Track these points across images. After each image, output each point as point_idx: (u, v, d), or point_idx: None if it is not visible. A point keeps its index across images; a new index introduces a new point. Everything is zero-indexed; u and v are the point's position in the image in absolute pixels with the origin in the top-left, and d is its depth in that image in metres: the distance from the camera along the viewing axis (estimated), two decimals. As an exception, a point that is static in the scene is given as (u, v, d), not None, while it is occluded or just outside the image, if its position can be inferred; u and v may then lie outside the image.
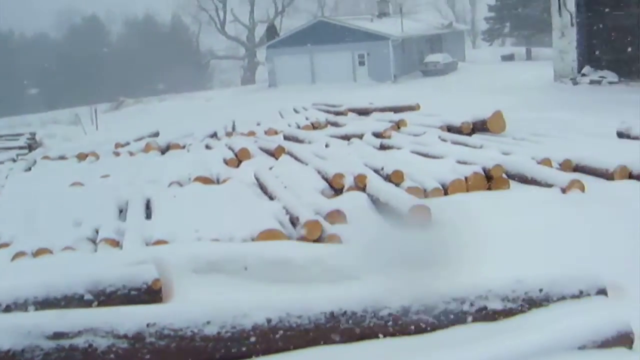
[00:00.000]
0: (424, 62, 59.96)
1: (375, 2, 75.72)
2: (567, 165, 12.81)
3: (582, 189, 10.94)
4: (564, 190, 10.90)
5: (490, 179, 11.69)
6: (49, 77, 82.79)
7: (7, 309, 6.35)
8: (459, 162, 12.56)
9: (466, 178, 11.54)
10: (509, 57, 71.89)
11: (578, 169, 12.74)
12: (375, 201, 10.67)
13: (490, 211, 9.88)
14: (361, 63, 59.41)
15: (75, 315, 5.45)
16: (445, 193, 11.34)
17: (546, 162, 12.64)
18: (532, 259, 7.41)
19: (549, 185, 11.21)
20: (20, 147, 28.56)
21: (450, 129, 18.52)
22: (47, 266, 7.26)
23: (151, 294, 6.56)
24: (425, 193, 11.18)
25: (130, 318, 5.41)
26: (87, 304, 6.47)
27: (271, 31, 75.62)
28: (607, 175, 12.03)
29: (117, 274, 6.58)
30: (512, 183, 11.87)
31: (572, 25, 35.84)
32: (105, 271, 6.65)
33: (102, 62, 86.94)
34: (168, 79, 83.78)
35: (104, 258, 7.45)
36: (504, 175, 11.84)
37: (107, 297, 6.51)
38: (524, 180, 11.85)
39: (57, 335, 5.22)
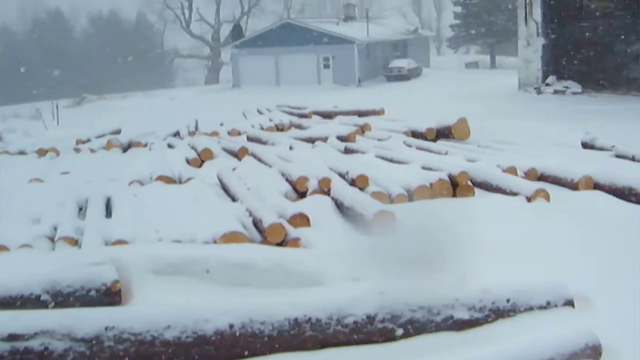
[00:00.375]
0: (389, 67, 60.04)
1: (341, 6, 75.91)
2: (532, 174, 12.77)
3: (548, 198, 10.90)
4: (529, 199, 10.84)
5: (455, 186, 11.61)
6: (10, 71, 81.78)
7: (-40, 310, 6.15)
8: (424, 168, 12.49)
9: (431, 184, 11.44)
10: (473, 65, 72.49)
11: (543, 178, 12.71)
12: (339, 205, 10.54)
13: (456, 218, 9.78)
14: (326, 66, 59.50)
15: (30, 317, 5.28)
16: (410, 199, 11.22)
17: (511, 170, 12.59)
18: (498, 268, 7.32)
19: (514, 194, 11.14)
20: (-21, 141, 28.17)
21: (414, 134, 18.48)
22: (2, 264, 7.01)
23: (110, 295, 6.40)
24: (390, 198, 11.06)
25: (88, 321, 5.26)
26: (44, 304, 6.29)
27: (236, 31, 75.48)
28: (572, 185, 12.00)
29: (75, 274, 6.41)
30: (477, 191, 11.80)
31: (537, 34, 36.07)
32: (63, 271, 6.46)
33: (66, 58, 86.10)
34: (132, 77, 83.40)
35: (61, 257, 7.21)
36: (469, 183, 11.76)
37: (64, 298, 6.34)
38: (489, 188, 11.77)
39: (12, 337, 5.05)
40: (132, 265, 6.78)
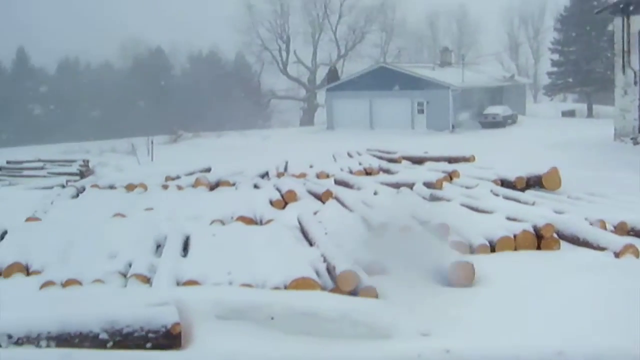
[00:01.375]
0: (483, 114, 59.37)
1: (437, 51, 75.70)
2: (622, 228, 12.29)
3: (637, 254, 10.41)
4: (617, 255, 10.38)
5: (540, 238, 11.17)
6: (111, 106, 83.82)
7: (19, 342, 6.11)
8: (508, 218, 12.08)
9: (515, 235, 11.03)
10: (569, 113, 71.27)
11: (633, 232, 12.21)
12: (419, 254, 10.26)
13: (537, 272, 9.41)
14: (420, 111, 59.15)
15: (82, 356, 5.17)
16: (493, 250, 10.87)
17: (600, 223, 12.14)
18: (577, 329, 6.94)
19: (602, 249, 10.69)
20: (72, 174, 28.67)
21: (503, 182, 18.09)
22: (67, 299, 6.96)
23: (170, 338, 6.26)
24: (470, 249, 10.74)
25: (142, 365, 5.12)
26: (102, 343, 6.19)
27: (332, 74, 75.87)
28: (663, 242, 11.49)
29: (136, 314, 6.30)
30: (563, 244, 11.34)
31: (635, 83, 35.15)
32: (123, 310, 6.36)
33: (164, 95, 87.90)
34: (228, 116, 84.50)
35: (126, 295, 7.14)
36: (555, 235, 11.32)
37: (123, 338, 6.23)
38: (576, 241, 11.31)
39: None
40: (196, 308, 6.64)
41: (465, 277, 8.96)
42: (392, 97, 59.47)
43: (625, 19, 34.98)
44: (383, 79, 60.43)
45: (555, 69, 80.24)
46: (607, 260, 10.25)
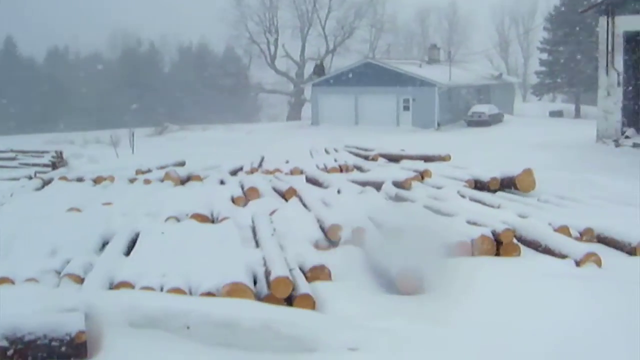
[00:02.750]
0: (469, 112, 59.08)
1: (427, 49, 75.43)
2: (589, 234, 11.90)
3: (599, 263, 9.99)
4: (578, 263, 9.97)
5: (500, 244, 10.73)
6: (99, 97, 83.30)
7: None
8: (469, 222, 11.63)
9: (472, 240, 10.57)
10: (557, 114, 71.06)
11: (600, 239, 11.81)
12: (370, 259, 9.85)
13: (490, 280, 8.97)
14: (406, 108, 58.82)
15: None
16: (448, 255, 10.40)
17: (564, 229, 11.73)
18: (529, 344, 6.55)
19: (563, 256, 10.27)
20: (44, 165, 28.21)
21: (477, 183, 17.72)
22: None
23: (74, 347, 5.83)
24: (425, 254, 10.32)
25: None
26: (2, 351, 5.76)
27: (318, 69, 75.54)
28: (629, 250, 11.10)
29: (39, 321, 5.87)
30: (524, 250, 10.89)
31: (618, 84, 34.82)
32: (26, 316, 5.93)
33: (153, 87, 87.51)
34: (216, 109, 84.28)
35: (36, 299, 6.69)
36: (515, 241, 10.88)
37: (25, 346, 5.80)
38: (538, 247, 10.88)
39: None
40: (108, 315, 6.21)
41: (412, 286, 8.54)
42: (377, 93, 59.14)
43: (610, 20, 34.65)
44: (369, 75, 60.10)
45: (544, 68, 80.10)
46: (567, 269, 9.82)
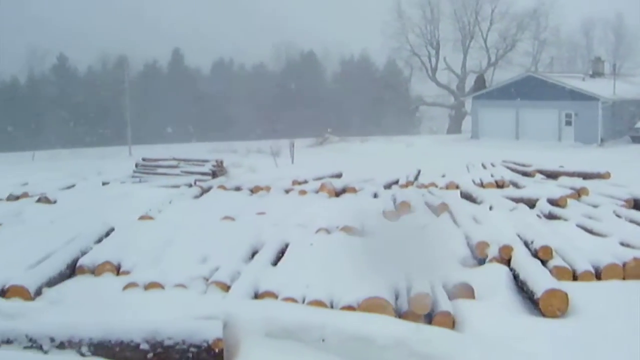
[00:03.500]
0: (635, 128, 56.98)
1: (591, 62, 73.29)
2: None
3: None
4: None
5: (656, 268, 10.31)
6: (264, 107, 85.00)
7: (61, 345, 6.04)
8: (622, 243, 11.28)
9: (624, 263, 10.26)
10: None
11: None
12: (516, 278, 9.73)
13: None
14: (568, 123, 57.23)
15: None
16: (599, 278, 10.16)
17: None
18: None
19: None
20: (204, 173, 29.03)
21: (637, 203, 17.07)
22: (119, 305, 6.85)
23: (211, 354, 6.02)
24: (574, 275, 10.06)
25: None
26: (143, 354, 6.04)
27: (479, 82, 74.77)
28: None
29: (179, 326, 6.11)
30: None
31: None
32: (167, 322, 6.18)
33: (315, 98, 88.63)
34: (376, 121, 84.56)
35: (180, 305, 6.97)
36: (671, 266, 10.45)
37: (164, 350, 6.05)
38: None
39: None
40: (245, 324, 6.38)
41: (557, 307, 8.38)
42: (539, 107, 57.86)
43: None
44: (530, 89, 58.87)
45: None
46: None
